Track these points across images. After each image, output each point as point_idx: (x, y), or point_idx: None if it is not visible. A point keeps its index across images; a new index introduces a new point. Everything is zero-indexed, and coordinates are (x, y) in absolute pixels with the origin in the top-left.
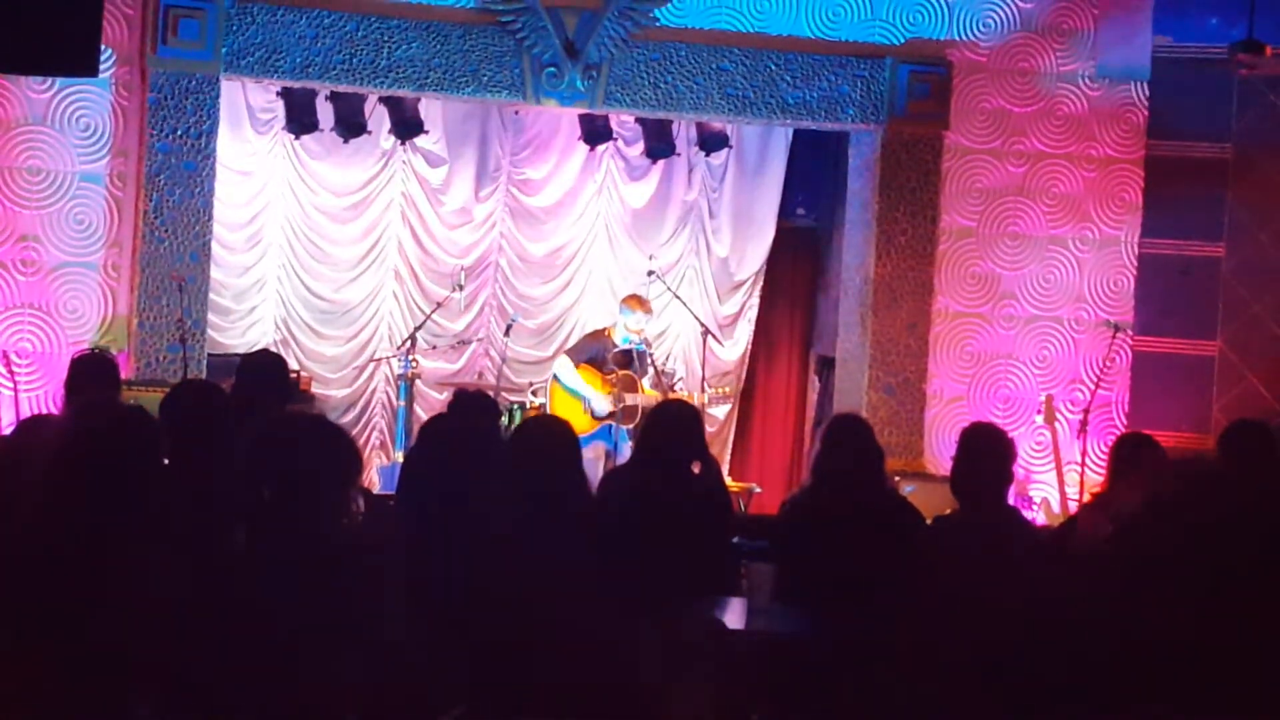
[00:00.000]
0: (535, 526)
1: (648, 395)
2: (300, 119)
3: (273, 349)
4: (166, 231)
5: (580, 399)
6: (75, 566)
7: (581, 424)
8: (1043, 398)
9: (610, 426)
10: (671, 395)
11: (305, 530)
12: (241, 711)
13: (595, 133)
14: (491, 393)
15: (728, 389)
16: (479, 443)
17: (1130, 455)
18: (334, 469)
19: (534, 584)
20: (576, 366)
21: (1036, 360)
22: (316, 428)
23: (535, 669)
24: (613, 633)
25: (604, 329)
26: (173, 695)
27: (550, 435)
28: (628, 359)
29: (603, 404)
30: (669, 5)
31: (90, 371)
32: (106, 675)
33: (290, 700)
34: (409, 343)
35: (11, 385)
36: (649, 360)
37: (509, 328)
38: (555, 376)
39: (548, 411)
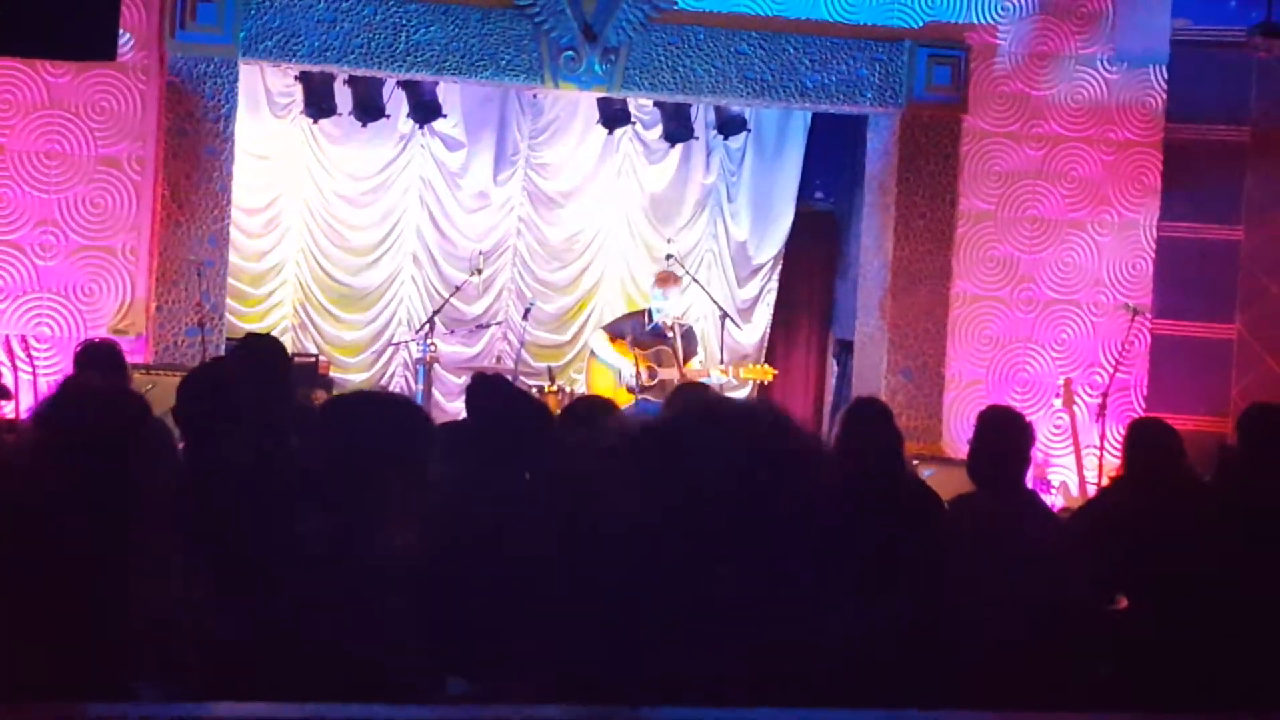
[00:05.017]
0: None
1: (688, 369)
2: (318, 103)
3: (289, 333)
4: (185, 216)
5: (613, 369)
6: (81, 552)
7: (618, 399)
8: (1061, 381)
9: (646, 401)
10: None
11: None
12: (252, 688)
13: (613, 116)
14: (510, 376)
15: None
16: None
17: (1144, 439)
18: (412, 449)
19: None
20: (611, 341)
21: (1055, 344)
22: (392, 404)
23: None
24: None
25: (643, 310)
26: (179, 676)
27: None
28: (658, 337)
29: (630, 371)
30: None
31: (95, 359)
32: (108, 663)
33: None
34: (427, 327)
35: (30, 369)
36: (674, 337)
37: (527, 312)
38: (591, 350)
39: (585, 387)
